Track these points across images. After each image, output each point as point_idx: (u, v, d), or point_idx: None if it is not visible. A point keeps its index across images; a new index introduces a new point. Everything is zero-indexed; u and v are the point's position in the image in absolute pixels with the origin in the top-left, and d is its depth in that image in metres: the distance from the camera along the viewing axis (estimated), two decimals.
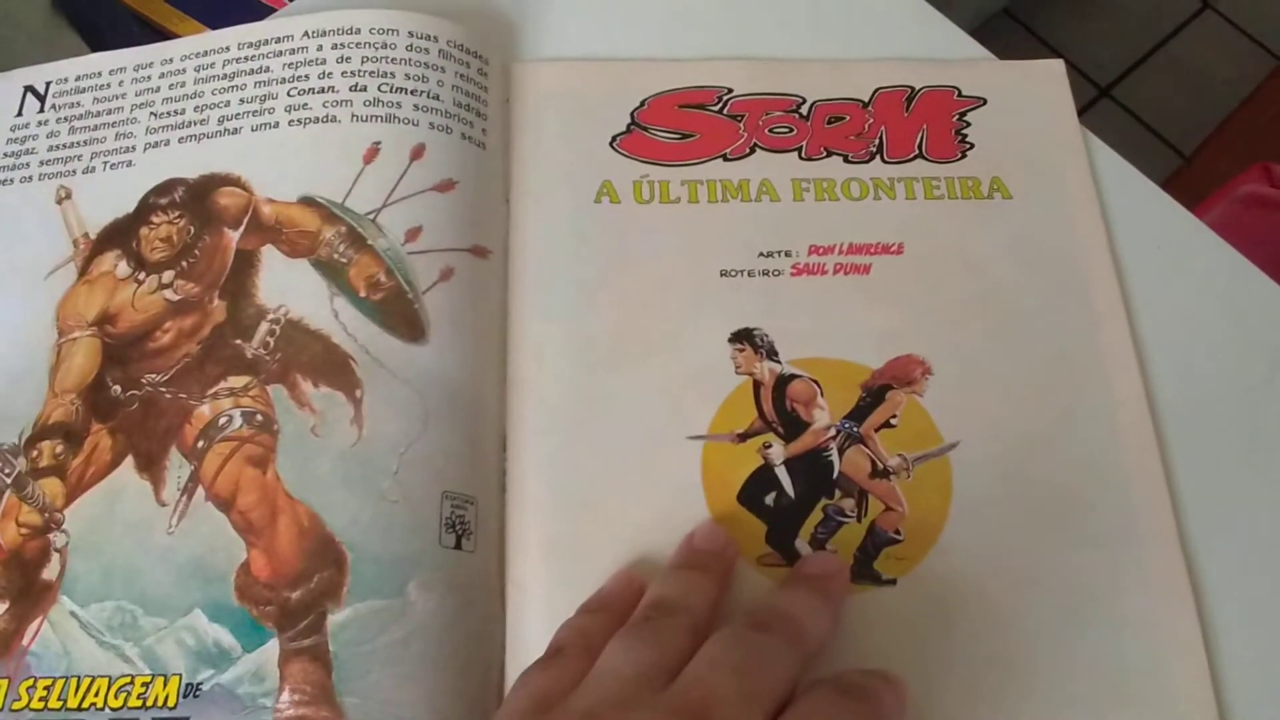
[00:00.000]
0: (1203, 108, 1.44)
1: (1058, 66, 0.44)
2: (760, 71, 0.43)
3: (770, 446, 0.36)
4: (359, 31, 0.42)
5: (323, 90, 0.41)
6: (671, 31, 0.45)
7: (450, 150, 0.39)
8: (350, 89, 0.41)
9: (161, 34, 0.99)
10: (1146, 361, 0.39)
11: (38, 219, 0.41)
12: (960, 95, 0.43)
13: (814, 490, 0.35)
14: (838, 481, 0.36)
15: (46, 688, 0.33)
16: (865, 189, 0.41)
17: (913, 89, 0.43)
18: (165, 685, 0.32)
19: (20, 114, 0.43)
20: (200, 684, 0.32)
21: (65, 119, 0.43)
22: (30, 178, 0.42)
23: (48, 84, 0.44)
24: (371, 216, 0.38)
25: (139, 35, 0.97)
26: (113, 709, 0.32)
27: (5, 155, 0.42)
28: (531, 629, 0.33)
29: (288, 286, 0.38)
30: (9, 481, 0.36)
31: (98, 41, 0.87)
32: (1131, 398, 0.37)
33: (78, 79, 0.44)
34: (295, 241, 0.39)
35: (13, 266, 0.40)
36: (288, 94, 0.41)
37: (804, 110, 0.42)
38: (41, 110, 0.43)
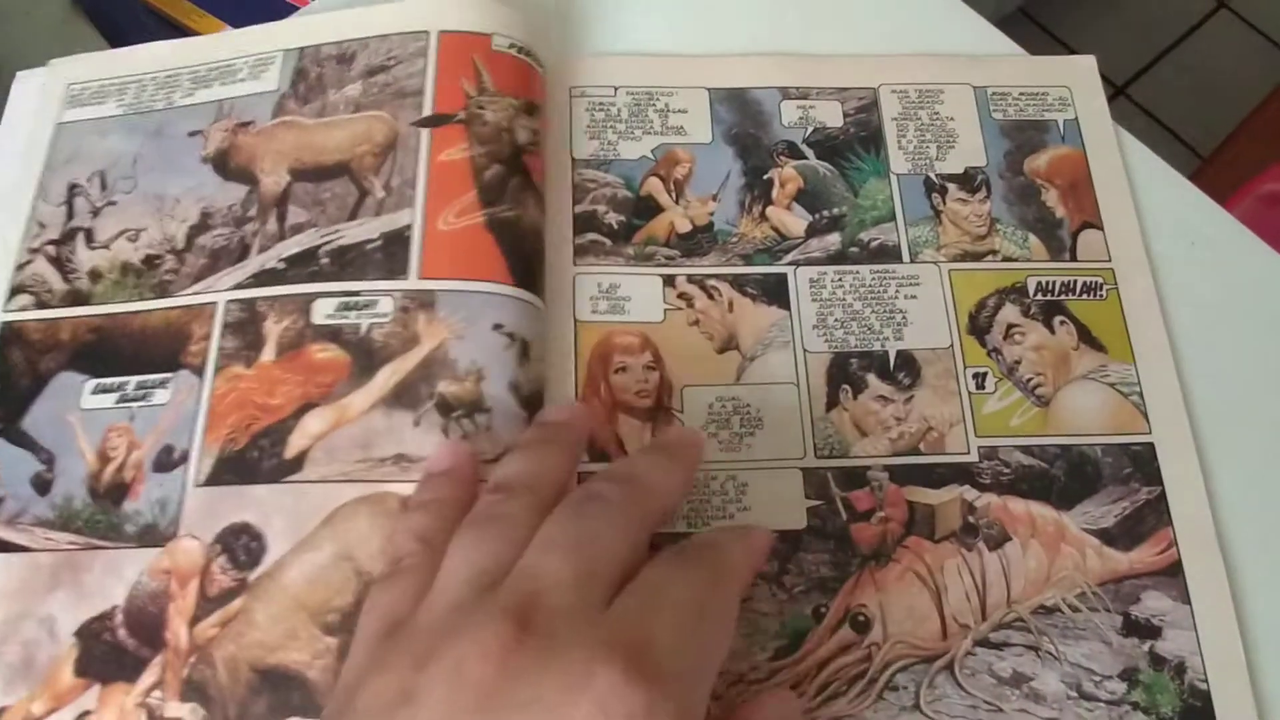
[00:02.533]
0: (1219, 107, 1.43)
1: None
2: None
3: None
4: None
5: None
6: (701, 27, 0.45)
7: None
8: None
9: (180, 30, 1.00)
10: (1181, 358, 0.39)
11: None
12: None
13: None
14: None
15: None
16: None
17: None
18: None
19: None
20: None
21: None
22: None
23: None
24: None
25: (157, 31, 0.98)
26: None
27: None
28: None
29: None
30: None
31: (116, 37, 0.88)
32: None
33: None
34: None
35: None
36: None
37: None
38: None
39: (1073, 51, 0.45)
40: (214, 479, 0.34)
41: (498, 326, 0.36)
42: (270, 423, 0.35)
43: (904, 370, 0.38)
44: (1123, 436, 0.37)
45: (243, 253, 0.38)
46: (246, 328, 0.36)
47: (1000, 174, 0.42)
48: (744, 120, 0.43)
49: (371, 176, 0.39)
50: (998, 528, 0.36)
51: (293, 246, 0.38)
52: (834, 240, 0.40)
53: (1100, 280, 0.40)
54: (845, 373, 0.38)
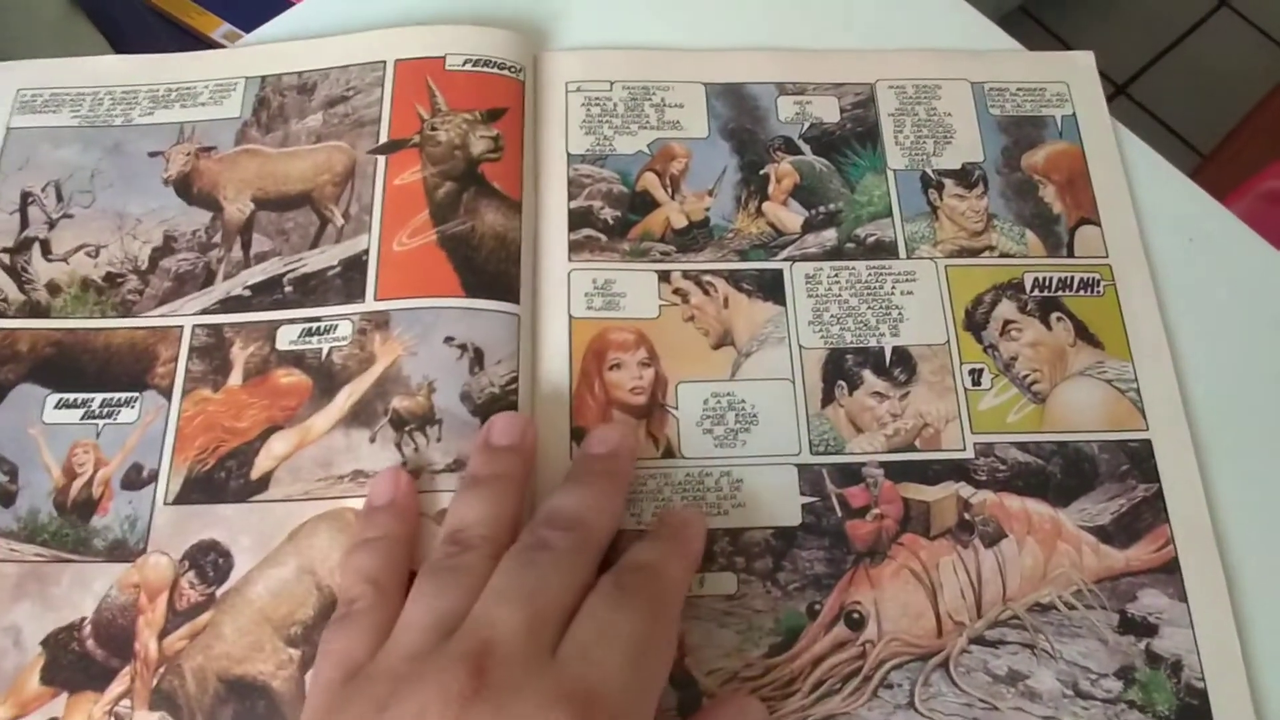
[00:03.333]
0: (1219, 105, 1.43)
1: (1086, 57, 0.44)
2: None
3: None
4: None
5: None
6: (698, 21, 0.45)
7: None
8: None
9: (179, 27, 0.99)
10: (1179, 355, 0.39)
11: None
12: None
13: None
14: None
15: None
16: None
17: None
18: None
19: None
20: None
21: None
22: None
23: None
24: None
25: (156, 28, 0.97)
26: None
27: None
28: None
29: None
30: None
31: (115, 34, 0.88)
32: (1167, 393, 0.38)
33: None
34: None
35: None
36: None
37: None
38: None
39: (1071, 49, 0.44)
40: (183, 498, 0.35)
41: (449, 339, 0.36)
42: (237, 444, 0.36)
43: (900, 366, 0.38)
44: (1120, 433, 0.37)
45: (208, 278, 0.39)
46: (213, 352, 0.37)
47: (998, 170, 0.42)
48: (740, 115, 0.42)
49: (332, 205, 0.39)
50: (993, 525, 0.36)
51: (258, 274, 0.38)
52: (830, 236, 0.40)
53: (1098, 276, 0.40)
54: (841, 369, 0.38)
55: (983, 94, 0.43)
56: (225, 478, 0.35)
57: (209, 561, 0.34)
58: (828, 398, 0.37)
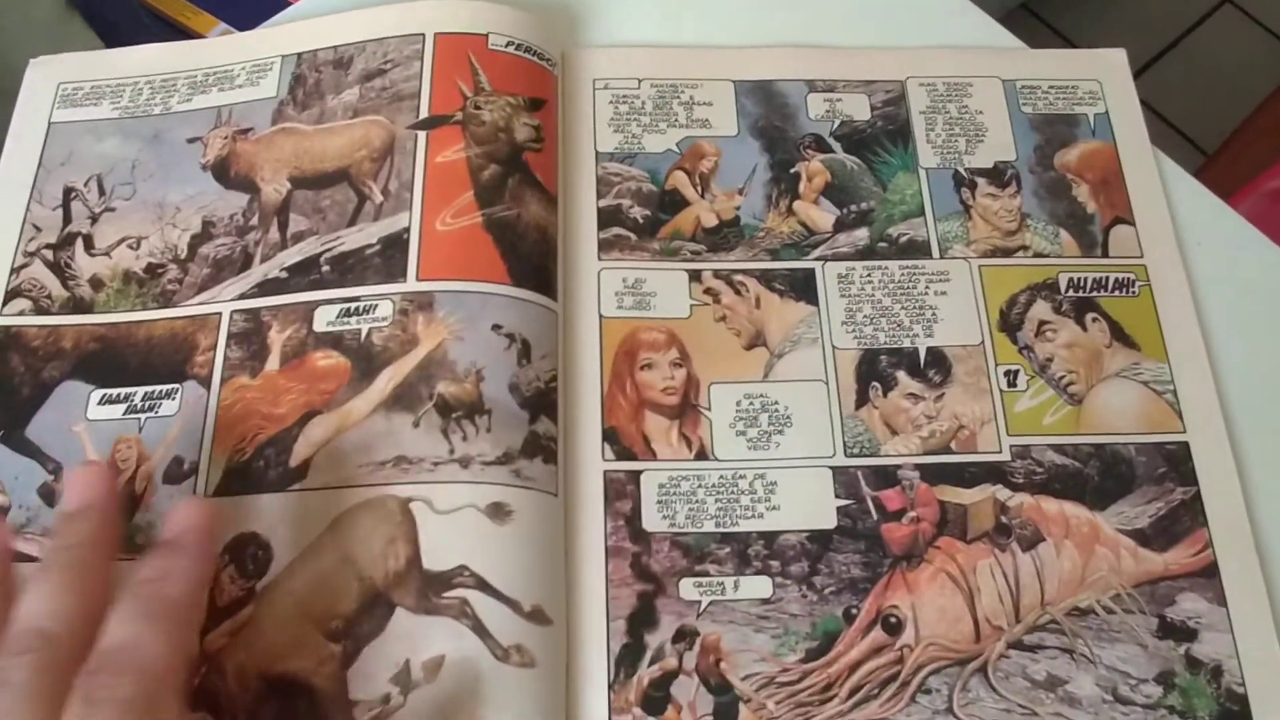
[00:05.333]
0: (1222, 104, 1.42)
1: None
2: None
3: None
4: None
5: None
6: (722, 19, 0.44)
7: None
8: None
9: (174, 27, 0.99)
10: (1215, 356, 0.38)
11: None
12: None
13: None
14: None
15: None
16: None
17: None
18: None
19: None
20: None
21: None
22: None
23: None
24: None
25: (151, 27, 0.97)
26: None
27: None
28: None
29: None
30: None
31: (109, 35, 0.87)
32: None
33: None
34: None
35: None
36: None
37: None
38: None
39: (1074, 47, 0.44)
40: (222, 489, 0.34)
41: (497, 327, 0.35)
42: (275, 431, 0.35)
43: (935, 367, 0.38)
44: (1157, 435, 0.37)
45: (245, 262, 0.38)
46: (251, 338, 0.36)
47: (1030, 168, 0.41)
48: (770, 113, 0.42)
49: (370, 181, 0.38)
50: (1031, 528, 0.35)
51: (294, 255, 0.38)
52: (862, 235, 0.40)
53: (1133, 276, 0.39)
54: (875, 370, 0.37)
55: (1014, 92, 0.43)
56: (264, 467, 0.34)
57: (249, 555, 0.33)
58: (862, 399, 0.37)
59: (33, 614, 0.25)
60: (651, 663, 0.33)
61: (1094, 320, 0.39)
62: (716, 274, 0.39)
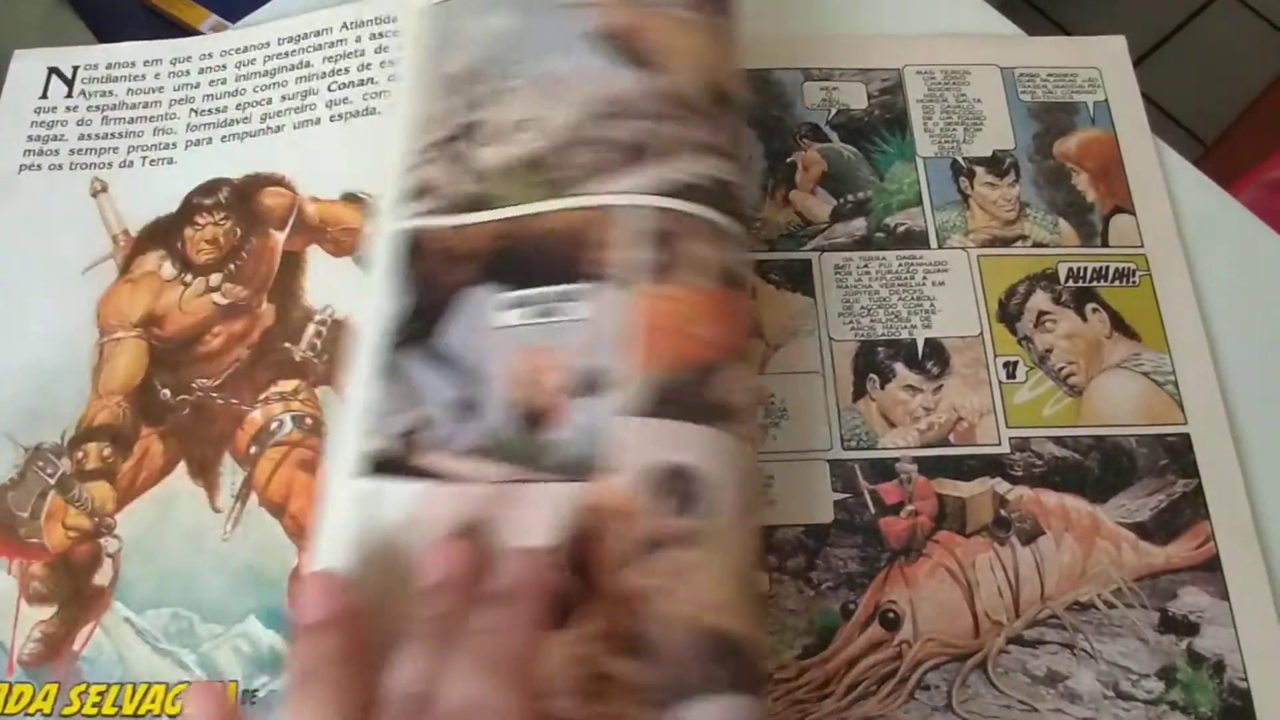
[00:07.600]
0: (1221, 94, 1.42)
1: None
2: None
3: None
4: (394, 20, 0.42)
5: (362, 83, 0.41)
6: None
7: None
8: (388, 79, 0.41)
9: (166, 19, 0.98)
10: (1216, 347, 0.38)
11: (69, 210, 0.40)
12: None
13: None
14: None
15: (100, 693, 0.32)
16: None
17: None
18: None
19: (45, 96, 0.42)
20: (256, 690, 0.32)
21: (97, 108, 0.42)
22: (60, 165, 0.41)
23: (75, 68, 0.43)
24: None
25: (144, 20, 0.96)
26: (169, 715, 0.32)
27: (31, 139, 0.41)
28: None
29: (333, 286, 0.38)
30: (53, 482, 0.35)
31: (103, 26, 0.87)
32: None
33: (109, 67, 0.43)
34: (339, 239, 0.38)
35: (47, 259, 0.39)
36: (328, 89, 0.41)
37: None
38: (70, 95, 0.42)
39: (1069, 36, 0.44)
40: (647, 409, 0.29)
41: None
42: (712, 357, 0.29)
43: (932, 359, 0.37)
44: (1158, 427, 0.36)
45: (662, 152, 0.32)
46: (669, 241, 0.30)
47: (1029, 157, 0.41)
48: (766, 102, 0.41)
49: None
50: (1030, 521, 0.35)
51: None
52: (859, 225, 0.39)
53: (1133, 266, 0.39)
54: (872, 362, 0.37)
55: (1013, 80, 0.42)
56: (698, 393, 0.29)
57: (680, 489, 0.28)
58: (859, 391, 0.37)
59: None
60: None
61: (1094, 310, 0.38)
62: None
